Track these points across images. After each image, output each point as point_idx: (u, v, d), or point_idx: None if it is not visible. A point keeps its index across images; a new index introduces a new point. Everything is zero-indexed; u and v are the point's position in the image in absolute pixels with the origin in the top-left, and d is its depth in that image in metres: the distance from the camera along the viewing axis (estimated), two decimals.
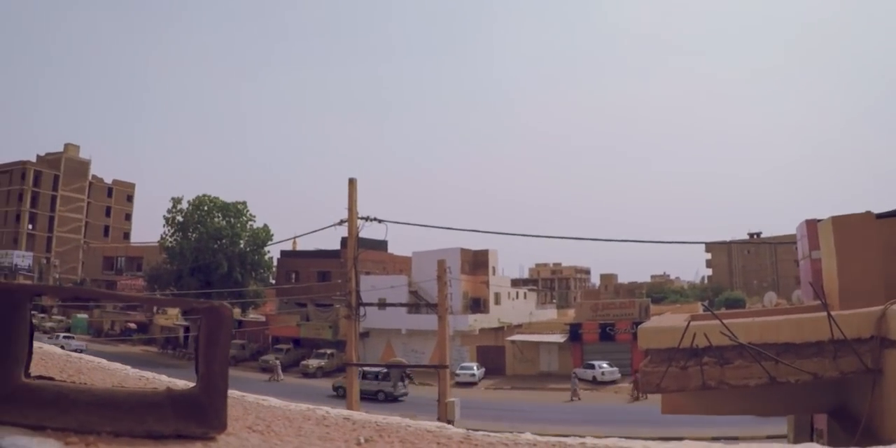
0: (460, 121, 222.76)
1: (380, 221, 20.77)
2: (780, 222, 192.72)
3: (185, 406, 1.04)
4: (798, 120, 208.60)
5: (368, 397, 39.51)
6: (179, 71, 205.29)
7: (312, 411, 1.33)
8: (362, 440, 1.07)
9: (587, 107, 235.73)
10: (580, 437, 1.04)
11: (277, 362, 55.03)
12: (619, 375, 52.31)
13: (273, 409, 1.34)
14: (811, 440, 10.91)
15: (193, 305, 1.16)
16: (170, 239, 69.83)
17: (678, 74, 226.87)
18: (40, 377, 1.13)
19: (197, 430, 1.03)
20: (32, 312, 1.11)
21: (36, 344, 1.25)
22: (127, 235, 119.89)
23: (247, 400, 1.43)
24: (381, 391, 45.71)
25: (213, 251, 66.12)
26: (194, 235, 68.46)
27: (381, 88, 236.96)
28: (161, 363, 51.19)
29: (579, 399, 46.22)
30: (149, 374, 1.62)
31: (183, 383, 1.41)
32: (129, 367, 1.80)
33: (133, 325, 74.78)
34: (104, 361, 1.87)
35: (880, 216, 8.96)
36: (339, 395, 43.51)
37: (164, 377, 1.45)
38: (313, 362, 58.11)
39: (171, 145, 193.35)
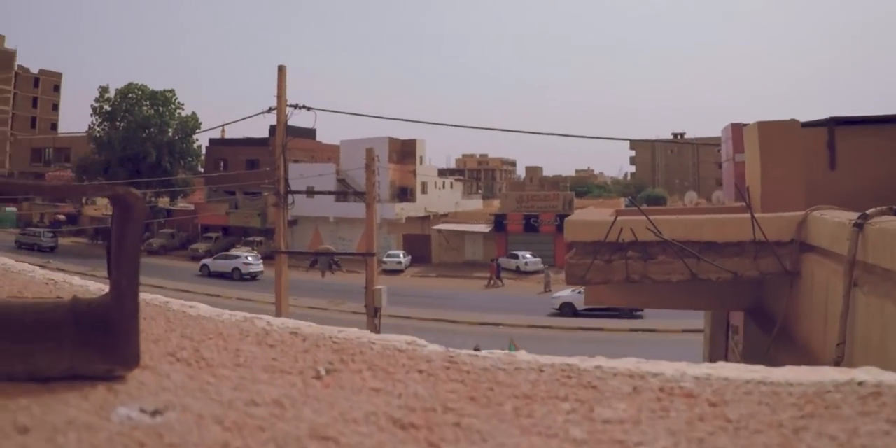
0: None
1: (308, 109, 20.58)
2: (703, 124, 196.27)
3: (89, 326, 0.82)
4: (733, 25, 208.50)
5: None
6: None
7: (251, 323, 1.10)
8: (322, 371, 0.85)
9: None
10: (590, 358, 0.89)
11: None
12: (542, 266, 53.59)
13: (202, 323, 1.12)
14: (727, 336, 11.46)
15: (105, 191, 0.97)
16: (98, 129, 67.51)
17: None
18: None
19: (99, 367, 0.80)
20: None
21: None
22: (55, 126, 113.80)
23: (171, 308, 1.20)
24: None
25: (142, 140, 64.30)
26: (122, 125, 66.27)
27: None
28: (92, 254, 50.19)
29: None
30: (58, 276, 1.39)
31: (96, 288, 1.25)
32: (36, 269, 1.56)
33: (62, 217, 72.87)
34: (10, 262, 1.62)
35: (805, 125, 9.13)
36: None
37: (76, 280, 1.24)
38: (242, 250, 57.92)
39: (98, 34, 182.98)
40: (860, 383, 0.76)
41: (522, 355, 0.92)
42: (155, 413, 0.66)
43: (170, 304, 1.23)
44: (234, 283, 48.05)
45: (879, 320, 4.34)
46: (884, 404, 0.70)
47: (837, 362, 4.71)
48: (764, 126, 9.19)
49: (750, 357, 8.75)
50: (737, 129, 12.26)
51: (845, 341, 4.74)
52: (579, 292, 41.84)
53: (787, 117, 9.29)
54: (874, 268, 4.57)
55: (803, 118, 9.25)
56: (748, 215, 6.22)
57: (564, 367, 0.83)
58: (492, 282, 50.63)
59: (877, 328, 4.38)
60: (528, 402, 0.70)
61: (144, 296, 1.28)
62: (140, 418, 0.65)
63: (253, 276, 49.96)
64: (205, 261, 52.87)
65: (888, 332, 4.18)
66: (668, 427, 0.61)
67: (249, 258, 52.09)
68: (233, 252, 54.53)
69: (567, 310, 37.54)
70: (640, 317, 35.43)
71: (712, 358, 12.01)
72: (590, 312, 34.25)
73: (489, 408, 0.69)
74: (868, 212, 4.74)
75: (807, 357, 5.79)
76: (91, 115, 68.48)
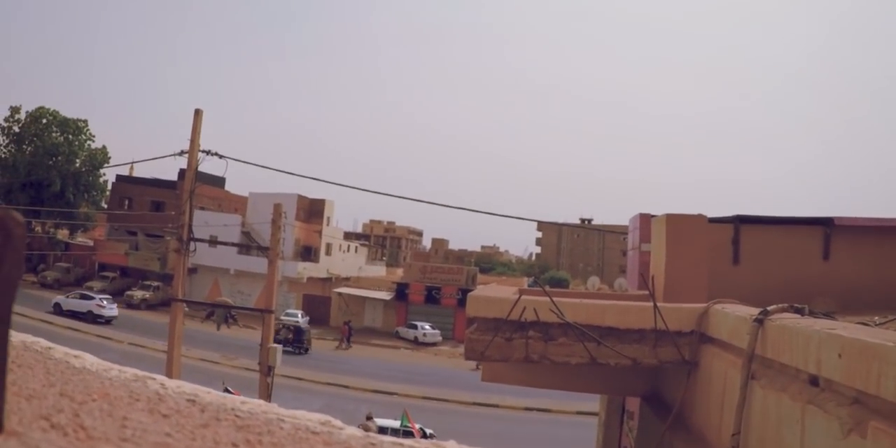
0: (323, 68, 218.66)
1: (221, 157, 20.38)
2: (610, 213, 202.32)
3: None
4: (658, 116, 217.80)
5: None
6: None
7: (142, 384, 0.97)
8: None
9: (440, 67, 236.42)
10: None
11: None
12: (441, 338, 53.41)
13: (87, 378, 0.97)
14: (622, 421, 11.55)
15: None
16: (3, 149, 64.63)
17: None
18: None
19: None
20: None
21: None
22: None
23: (53, 356, 1.05)
24: None
25: (48, 167, 61.91)
26: (29, 149, 63.57)
27: (242, 21, 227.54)
28: None
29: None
30: None
31: None
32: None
33: None
34: None
35: (712, 220, 9.48)
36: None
37: None
38: (138, 293, 56.46)
39: (12, 51, 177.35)
40: None
41: (452, 446, 0.85)
42: None
43: (52, 352, 1.08)
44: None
45: (776, 413, 4.47)
46: None
47: None
48: (672, 219, 9.47)
49: (644, 443, 8.84)
50: (645, 219, 12.63)
51: (740, 432, 4.85)
52: (66, 297, 48.09)
53: (691, 212, 9.63)
54: (772, 362, 4.72)
55: (710, 214, 9.61)
56: (650, 304, 6.33)
57: None
58: (342, 344, 51.02)
59: (773, 421, 4.51)
60: None
61: (25, 338, 1.16)
62: None
63: None
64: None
65: (784, 424, 4.30)
66: None
67: None
68: None
69: (57, 309, 46.75)
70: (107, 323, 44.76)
71: (606, 441, 12.10)
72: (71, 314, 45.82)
73: None
74: (769, 308, 4.91)
75: (701, 445, 5.89)
76: None
